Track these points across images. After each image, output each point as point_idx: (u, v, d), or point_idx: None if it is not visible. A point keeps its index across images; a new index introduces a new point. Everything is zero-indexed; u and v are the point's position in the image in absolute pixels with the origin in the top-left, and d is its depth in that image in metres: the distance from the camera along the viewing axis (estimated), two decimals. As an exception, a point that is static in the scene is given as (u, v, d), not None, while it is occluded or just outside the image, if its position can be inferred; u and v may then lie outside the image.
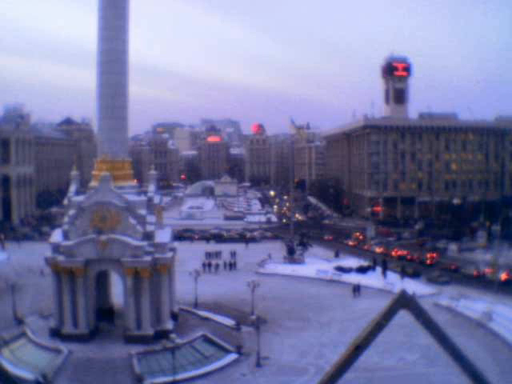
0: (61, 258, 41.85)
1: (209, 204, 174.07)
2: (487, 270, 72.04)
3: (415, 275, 71.57)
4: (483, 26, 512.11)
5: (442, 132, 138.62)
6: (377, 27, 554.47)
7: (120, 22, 44.54)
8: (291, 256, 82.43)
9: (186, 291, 54.15)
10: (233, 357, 41.54)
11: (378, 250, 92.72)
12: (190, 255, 75.91)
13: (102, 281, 46.84)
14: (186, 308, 51.55)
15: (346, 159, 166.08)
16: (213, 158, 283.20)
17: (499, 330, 47.98)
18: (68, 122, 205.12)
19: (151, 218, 43.90)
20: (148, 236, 42.68)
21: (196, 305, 54.12)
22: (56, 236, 44.21)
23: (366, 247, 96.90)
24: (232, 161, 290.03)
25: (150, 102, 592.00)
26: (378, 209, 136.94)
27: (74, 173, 47.06)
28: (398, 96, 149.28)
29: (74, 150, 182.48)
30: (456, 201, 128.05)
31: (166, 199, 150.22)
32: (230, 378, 38.50)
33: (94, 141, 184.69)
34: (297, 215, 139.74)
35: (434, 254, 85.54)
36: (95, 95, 45.25)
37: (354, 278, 67.56)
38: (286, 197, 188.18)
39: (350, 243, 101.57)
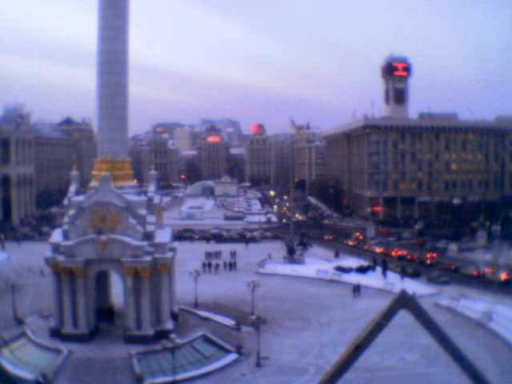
0: (61, 258, 41.86)
1: (209, 204, 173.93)
2: (487, 270, 72.02)
3: (415, 275, 71.56)
4: (483, 26, 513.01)
5: (442, 132, 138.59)
6: (377, 27, 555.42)
7: (120, 22, 44.58)
8: (291, 256, 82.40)
9: (186, 291, 54.14)
10: (233, 357, 41.56)
11: (378, 249, 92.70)
12: (190, 255, 75.91)
13: (102, 281, 46.85)
14: (186, 308, 51.53)
15: (346, 159, 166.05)
16: (213, 158, 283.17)
17: (499, 329, 47.99)
18: (68, 122, 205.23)
19: (151, 218, 43.91)
20: (148, 236, 42.69)
21: (196, 305, 54.12)
22: (56, 236, 44.22)
23: (366, 247, 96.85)
24: (232, 161, 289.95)
25: (150, 102, 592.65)
26: (378, 209, 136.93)
27: (74, 173, 47.07)
28: (398, 96, 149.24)
29: (74, 149, 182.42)
30: (456, 201, 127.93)
31: (166, 199, 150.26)
32: (230, 377, 38.51)
33: (93, 141, 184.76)
34: (297, 215, 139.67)
35: (434, 254, 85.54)
36: (95, 95, 45.28)
37: (353, 278, 67.54)
38: (286, 197, 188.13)
39: (350, 243, 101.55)
